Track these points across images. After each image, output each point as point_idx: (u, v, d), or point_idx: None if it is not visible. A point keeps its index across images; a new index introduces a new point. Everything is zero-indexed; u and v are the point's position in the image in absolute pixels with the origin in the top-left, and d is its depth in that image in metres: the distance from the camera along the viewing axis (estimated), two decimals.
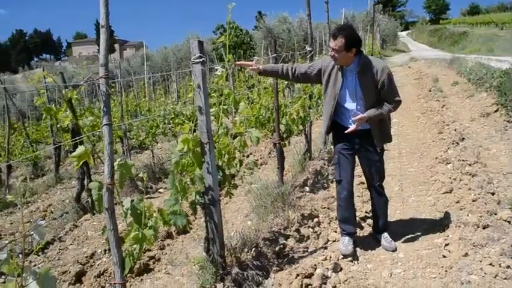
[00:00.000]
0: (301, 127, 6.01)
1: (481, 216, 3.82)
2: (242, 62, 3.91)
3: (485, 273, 2.95)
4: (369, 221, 4.34)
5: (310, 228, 4.19)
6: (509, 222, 3.75)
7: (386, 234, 3.87)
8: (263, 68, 3.79)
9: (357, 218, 4.20)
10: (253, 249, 3.64)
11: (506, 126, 7.44)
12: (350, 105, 3.57)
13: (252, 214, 4.76)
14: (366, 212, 4.50)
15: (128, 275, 3.44)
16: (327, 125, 3.72)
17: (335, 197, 4.96)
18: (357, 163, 3.87)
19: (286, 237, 3.98)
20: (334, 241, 3.96)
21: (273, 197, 4.60)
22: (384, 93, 3.47)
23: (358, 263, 3.64)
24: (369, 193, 4.00)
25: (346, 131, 3.54)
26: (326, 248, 3.85)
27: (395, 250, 3.76)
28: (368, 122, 3.52)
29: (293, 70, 3.74)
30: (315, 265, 3.37)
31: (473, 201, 4.27)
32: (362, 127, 3.54)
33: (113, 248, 2.30)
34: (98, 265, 4.01)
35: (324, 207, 4.67)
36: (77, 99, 5.31)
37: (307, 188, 5.26)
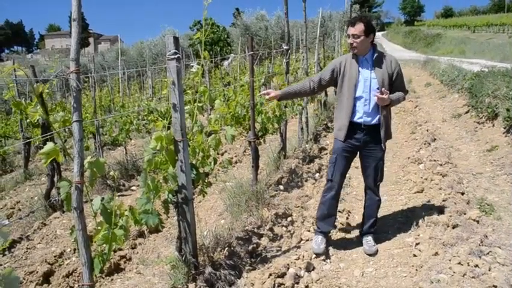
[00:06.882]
0: (276, 125, 6.00)
1: (450, 216, 3.90)
2: (263, 92, 3.84)
3: (454, 272, 3.02)
4: (342, 220, 4.37)
5: (283, 227, 4.19)
6: (477, 221, 3.85)
7: (369, 238, 3.86)
8: (281, 94, 3.76)
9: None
10: (227, 248, 3.62)
11: (476, 127, 7.63)
12: (365, 95, 3.52)
13: (226, 213, 4.73)
14: (339, 211, 4.52)
15: (98, 275, 3.37)
16: (346, 125, 3.57)
17: (308, 195, 5.01)
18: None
19: (260, 236, 3.97)
20: (307, 240, 3.96)
21: (247, 196, 4.58)
22: (398, 84, 3.56)
23: (330, 262, 3.66)
24: (364, 194, 3.97)
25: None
26: (299, 247, 3.86)
27: (374, 255, 3.73)
28: (382, 113, 3.50)
29: (310, 83, 3.72)
30: (288, 264, 3.37)
31: (444, 201, 4.37)
32: (371, 122, 3.54)
33: (82, 249, 2.23)
34: (67, 265, 3.91)
35: (298, 206, 4.68)
36: (49, 94, 5.17)
37: (281, 187, 5.26)
